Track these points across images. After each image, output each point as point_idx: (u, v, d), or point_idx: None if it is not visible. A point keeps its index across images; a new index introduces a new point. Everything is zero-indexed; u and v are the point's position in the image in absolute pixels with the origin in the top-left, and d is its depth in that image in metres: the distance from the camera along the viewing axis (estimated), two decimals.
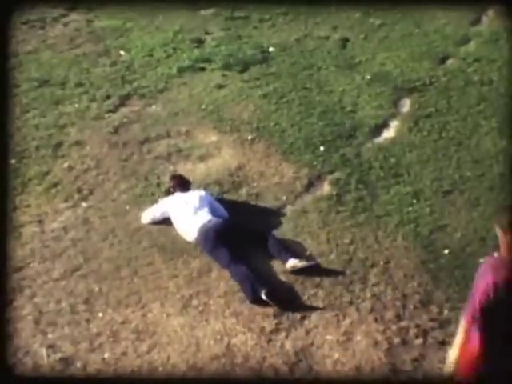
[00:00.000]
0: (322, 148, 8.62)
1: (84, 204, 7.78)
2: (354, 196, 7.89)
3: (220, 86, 9.87)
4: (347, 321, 6.47)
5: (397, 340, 6.30)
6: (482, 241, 7.05)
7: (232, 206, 7.67)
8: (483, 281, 4.37)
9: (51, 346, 6.18)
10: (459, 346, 4.77)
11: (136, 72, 10.19)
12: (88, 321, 6.43)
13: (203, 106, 9.43)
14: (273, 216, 7.66)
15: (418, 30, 11.41)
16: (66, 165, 8.34)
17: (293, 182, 8.13)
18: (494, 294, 4.34)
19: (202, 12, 11.89)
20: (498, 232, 4.51)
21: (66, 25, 11.46)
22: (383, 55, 10.60)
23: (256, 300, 6.55)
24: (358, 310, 6.58)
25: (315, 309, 6.57)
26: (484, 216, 7.50)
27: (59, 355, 6.11)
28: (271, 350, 6.19)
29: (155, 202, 7.71)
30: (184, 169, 8.29)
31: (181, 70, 10.21)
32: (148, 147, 8.67)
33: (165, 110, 9.37)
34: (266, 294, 6.54)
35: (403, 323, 6.45)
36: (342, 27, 11.40)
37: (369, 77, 10.02)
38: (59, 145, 8.66)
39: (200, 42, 11.00)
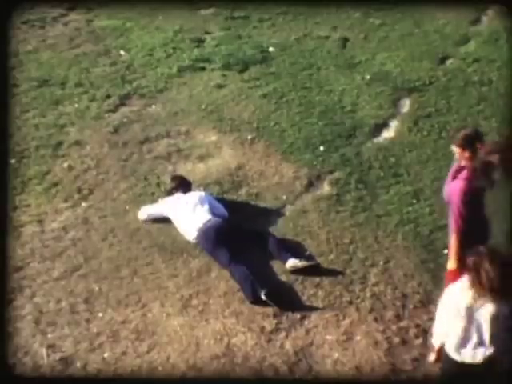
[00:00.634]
0: (321, 148, 8.62)
1: (84, 204, 7.78)
2: (353, 196, 7.89)
3: (220, 86, 9.87)
4: (347, 321, 6.48)
5: (397, 340, 6.30)
6: None
7: (232, 206, 7.67)
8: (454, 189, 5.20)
9: (51, 346, 6.19)
10: (455, 258, 5.54)
11: (136, 72, 10.19)
12: (88, 320, 6.43)
13: (203, 106, 9.43)
14: (273, 216, 7.66)
15: (417, 30, 11.41)
16: (65, 165, 8.34)
17: (293, 182, 8.13)
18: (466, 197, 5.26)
19: (202, 12, 11.89)
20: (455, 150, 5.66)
21: (65, 24, 11.45)
22: (383, 55, 10.60)
23: (256, 300, 6.56)
24: (357, 309, 6.59)
25: (315, 309, 6.58)
26: None
27: (59, 355, 6.11)
28: (271, 350, 6.20)
29: (155, 201, 7.71)
30: (184, 169, 8.29)
31: (181, 70, 10.21)
32: (148, 147, 8.67)
33: (165, 109, 9.37)
34: (266, 294, 6.54)
35: (403, 323, 6.46)
36: (342, 27, 11.39)
37: (369, 77, 10.02)
38: (59, 145, 8.66)
39: (200, 42, 11.00)
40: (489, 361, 4.83)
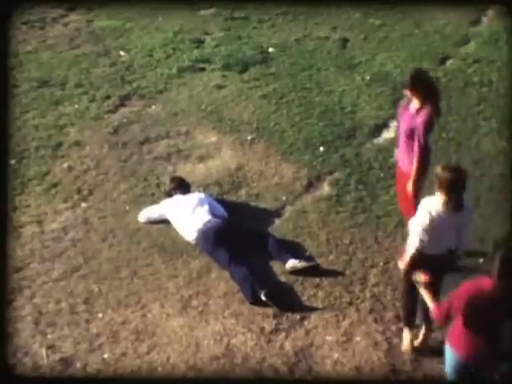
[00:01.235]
0: (321, 148, 8.62)
1: (84, 204, 7.78)
2: (353, 196, 7.89)
3: (220, 87, 9.87)
4: (347, 321, 6.48)
5: (396, 340, 6.30)
6: (481, 241, 7.04)
7: (232, 207, 7.67)
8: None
9: (51, 347, 6.19)
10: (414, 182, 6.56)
11: (136, 72, 10.19)
12: (88, 321, 6.43)
13: (203, 107, 9.43)
14: (272, 216, 7.67)
15: (417, 30, 11.41)
16: (65, 165, 8.34)
17: (292, 183, 8.13)
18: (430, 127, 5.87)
19: (202, 12, 11.89)
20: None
21: (65, 25, 11.45)
22: (383, 55, 10.60)
23: (256, 300, 6.56)
24: (357, 310, 6.59)
25: (315, 309, 6.58)
26: (484, 216, 7.49)
27: (59, 355, 6.12)
28: (271, 351, 6.20)
29: (155, 202, 7.71)
30: (184, 169, 8.29)
31: (180, 71, 10.21)
32: (148, 147, 8.67)
33: (164, 110, 9.37)
34: (266, 295, 6.54)
35: (403, 324, 6.45)
36: (342, 27, 11.39)
37: (369, 77, 10.02)
38: (59, 145, 8.66)
39: (200, 42, 11.00)
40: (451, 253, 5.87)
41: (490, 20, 11.70)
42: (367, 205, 7.79)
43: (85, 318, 6.46)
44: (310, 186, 8.09)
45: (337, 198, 7.89)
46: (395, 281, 6.88)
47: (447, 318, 5.14)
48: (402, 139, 6.73)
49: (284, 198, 7.91)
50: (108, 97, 9.60)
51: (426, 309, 5.82)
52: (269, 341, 6.28)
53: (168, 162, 8.42)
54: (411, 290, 5.94)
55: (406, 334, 6.24)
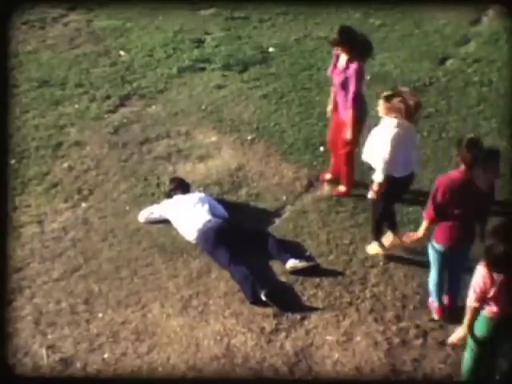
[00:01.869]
0: (321, 148, 8.62)
1: (84, 204, 7.78)
2: (353, 196, 7.88)
3: (220, 87, 9.88)
4: (347, 321, 6.48)
5: (397, 340, 6.30)
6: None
7: (232, 207, 7.67)
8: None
9: (51, 347, 6.19)
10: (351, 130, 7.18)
11: (136, 72, 10.20)
12: (88, 321, 6.43)
13: (203, 107, 9.43)
14: (272, 216, 7.67)
15: (417, 30, 11.42)
16: (65, 165, 8.35)
17: (292, 183, 8.13)
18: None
19: (202, 12, 11.90)
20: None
21: (65, 25, 11.46)
22: (383, 55, 10.59)
23: (256, 300, 6.56)
24: (357, 310, 6.59)
25: (315, 309, 6.58)
26: None
27: (59, 355, 6.12)
28: (271, 351, 6.20)
29: (155, 202, 7.71)
30: (184, 169, 8.29)
31: (181, 70, 10.22)
32: (148, 147, 8.67)
33: (165, 110, 9.37)
34: (266, 295, 6.54)
35: (403, 324, 6.45)
36: None
37: (369, 77, 10.00)
38: (59, 145, 8.66)
39: (200, 42, 11.01)
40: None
41: (490, 20, 11.70)
42: (367, 204, 7.78)
43: (85, 318, 6.46)
44: (310, 185, 8.09)
45: (337, 197, 7.89)
46: (395, 281, 6.88)
47: (435, 213, 5.94)
48: (339, 93, 7.55)
49: (284, 197, 7.91)
50: (108, 97, 9.61)
51: (393, 223, 7.15)
52: (269, 341, 6.28)
53: (168, 162, 8.42)
54: (382, 215, 7.02)
55: (375, 246, 7.10)
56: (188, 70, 10.26)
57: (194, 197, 7.51)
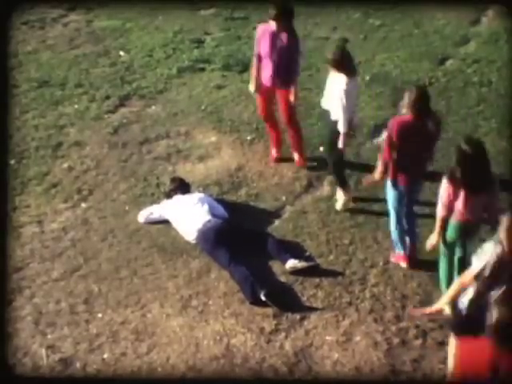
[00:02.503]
0: (321, 148, 8.61)
1: (83, 204, 7.78)
2: (353, 196, 7.88)
3: (220, 87, 9.87)
4: (347, 321, 6.48)
5: (396, 340, 6.30)
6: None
7: (231, 207, 7.67)
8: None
9: (51, 347, 6.20)
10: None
11: (136, 72, 10.19)
12: (87, 321, 6.44)
13: (203, 107, 9.43)
14: (272, 216, 7.67)
15: (417, 30, 11.40)
16: (65, 165, 8.35)
17: (292, 183, 8.13)
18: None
19: (202, 12, 11.88)
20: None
21: (65, 25, 11.45)
22: (383, 55, 10.59)
23: (255, 300, 6.56)
24: (357, 310, 6.59)
25: (315, 309, 6.58)
26: None
27: (59, 355, 6.12)
28: (271, 351, 6.20)
29: (155, 202, 7.71)
30: (183, 169, 8.30)
31: (180, 71, 10.21)
32: (147, 148, 8.67)
33: (164, 110, 9.37)
34: (266, 295, 6.54)
35: (403, 324, 6.46)
36: (342, 27, 11.39)
37: (368, 77, 10.02)
38: (59, 145, 8.66)
39: (200, 43, 10.99)
40: None
41: (489, 20, 11.69)
42: (367, 205, 7.79)
43: (85, 318, 6.46)
44: (309, 186, 8.10)
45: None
46: (395, 281, 6.89)
47: (389, 153, 6.68)
48: (266, 59, 7.90)
49: (284, 198, 7.92)
50: (108, 97, 9.61)
51: (341, 181, 7.74)
52: (269, 341, 6.29)
53: (168, 162, 8.42)
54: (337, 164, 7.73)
55: (341, 195, 7.73)
56: (188, 70, 10.26)
57: (194, 197, 7.51)
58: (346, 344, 6.28)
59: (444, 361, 6.04)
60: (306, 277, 6.89)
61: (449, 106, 9.44)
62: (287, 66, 7.89)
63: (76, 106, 9.40)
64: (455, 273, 6.38)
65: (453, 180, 6.05)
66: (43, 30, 11.25)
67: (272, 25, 7.86)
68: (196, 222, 7.20)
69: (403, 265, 7.01)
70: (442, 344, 6.15)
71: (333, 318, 6.51)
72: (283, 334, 6.35)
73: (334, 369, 6.07)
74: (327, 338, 6.32)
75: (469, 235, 6.34)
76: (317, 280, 6.89)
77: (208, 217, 7.27)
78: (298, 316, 6.52)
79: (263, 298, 6.55)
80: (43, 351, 6.15)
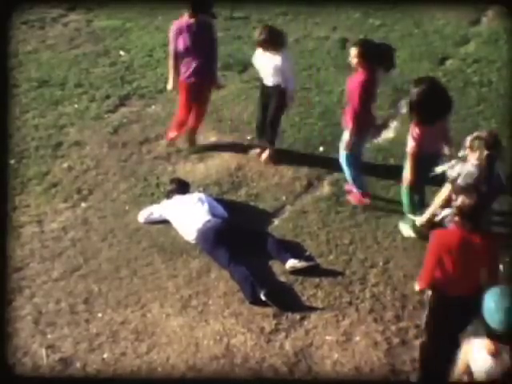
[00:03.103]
0: (321, 148, 8.62)
1: (83, 204, 7.78)
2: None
3: (219, 87, 9.85)
4: (346, 321, 6.48)
5: (396, 340, 6.31)
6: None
7: (231, 207, 7.67)
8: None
9: (51, 346, 6.19)
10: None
11: (135, 72, 10.19)
12: (87, 321, 6.43)
13: None
14: (272, 216, 7.67)
15: (417, 30, 11.41)
16: (65, 165, 8.35)
17: (292, 183, 8.13)
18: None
19: None
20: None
21: (65, 25, 11.45)
22: None
23: (255, 300, 6.56)
24: (357, 310, 6.59)
25: (314, 309, 6.58)
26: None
27: (59, 355, 6.12)
28: (270, 351, 6.20)
29: (155, 202, 7.71)
30: (183, 169, 8.30)
31: None
32: (147, 147, 8.67)
33: (164, 110, 9.37)
34: (266, 295, 6.54)
35: (403, 324, 6.46)
36: (342, 27, 11.39)
37: None
38: (59, 145, 8.66)
39: None
40: None
41: (489, 20, 11.70)
42: (367, 205, 7.79)
43: (84, 318, 6.46)
44: (309, 185, 8.10)
45: (336, 197, 7.89)
46: (395, 281, 6.89)
47: (357, 115, 7.32)
48: (185, 56, 8.02)
49: (284, 197, 7.92)
50: (108, 97, 9.61)
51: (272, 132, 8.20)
52: (269, 341, 6.29)
53: (168, 162, 8.42)
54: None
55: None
56: None
57: (194, 197, 7.51)
58: (346, 344, 6.28)
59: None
60: (305, 276, 6.89)
61: None
62: (207, 61, 8.05)
63: (76, 106, 9.40)
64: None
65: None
66: (43, 30, 11.24)
67: (188, 20, 8.00)
68: (196, 222, 7.20)
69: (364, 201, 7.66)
70: None
71: (333, 318, 6.51)
72: (283, 334, 6.35)
73: (334, 369, 6.07)
74: (327, 337, 6.32)
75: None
76: (317, 280, 6.89)
77: (208, 217, 7.27)
78: (297, 316, 6.52)
79: (263, 298, 6.55)
80: (43, 351, 6.15)
